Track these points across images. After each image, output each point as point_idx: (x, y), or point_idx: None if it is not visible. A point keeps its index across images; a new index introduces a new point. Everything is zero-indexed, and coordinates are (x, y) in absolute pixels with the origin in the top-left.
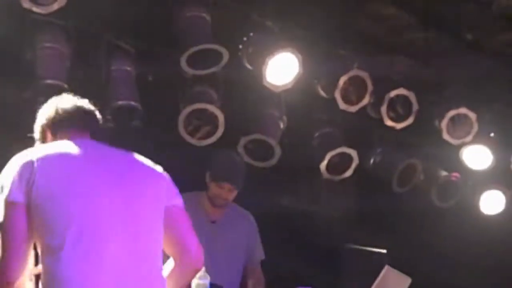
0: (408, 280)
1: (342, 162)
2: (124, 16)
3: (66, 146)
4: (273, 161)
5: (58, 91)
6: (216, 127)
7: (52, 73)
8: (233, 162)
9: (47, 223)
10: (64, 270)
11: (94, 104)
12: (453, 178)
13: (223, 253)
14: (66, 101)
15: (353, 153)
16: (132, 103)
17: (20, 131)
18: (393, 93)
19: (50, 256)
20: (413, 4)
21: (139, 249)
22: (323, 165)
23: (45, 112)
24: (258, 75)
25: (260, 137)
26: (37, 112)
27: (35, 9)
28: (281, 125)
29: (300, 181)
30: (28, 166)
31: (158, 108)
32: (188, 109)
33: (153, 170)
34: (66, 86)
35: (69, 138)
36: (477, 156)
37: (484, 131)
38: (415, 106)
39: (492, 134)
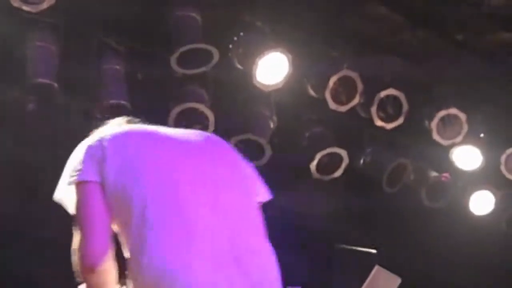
0: (398, 280)
1: (332, 162)
2: (114, 15)
3: (136, 126)
4: (263, 160)
5: (48, 90)
6: (206, 127)
7: (42, 72)
8: None
9: (124, 202)
10: (149, 252)
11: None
12: (443, 179)
13: None
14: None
15: (343, 153)
16: (122, 102)
17: (10, 130)
18: (383, 93)
19: (131, 238)
20: (403, 4)
21: (234, 224)
22: (313, 165)
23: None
24: (248, 75)
25: (250, 137)
26: (27, 110)
27: (25, 7)
28: (271, 125)
29: (290, 181)
30: (98, 145)
31: (148, 107)
32: (178, 108)
33: (241, 158)
34: (56, 85)
35: None
36: (467, 157)
37: (474, 131)
38: (405, 106)
39: (482, 135)
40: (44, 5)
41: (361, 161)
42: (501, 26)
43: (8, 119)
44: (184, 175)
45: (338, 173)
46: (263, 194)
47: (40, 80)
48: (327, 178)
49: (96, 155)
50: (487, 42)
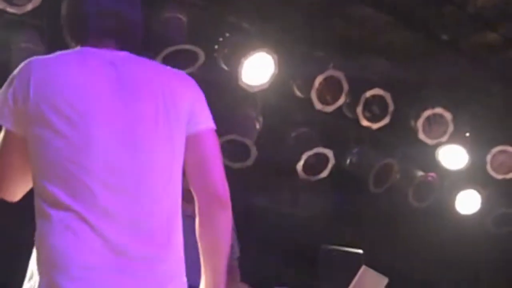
0: (385, 280)
1: (318, 162)
2: None
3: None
4: (249, 161)
5: None
6: None
7: None
8: None
9: (39, 155)
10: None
11: None
12: (429, 178)
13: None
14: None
15: (329, 153)
16: None
17: None
18: (369, 93)
19: (42, 197)
20: (389, 5)
21: (149, 187)
22: (299, 165)
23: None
24: (234, 76)
25: (236, 138)
26: None
27: (9, 9)
28: (257, 126)
29: (276, 182)
30: (24, 72)
31: None
32: None
33: (184, 77)
34: None
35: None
36: (453, 156)
37: (460, 131)
38: (391, 106)
39: (467, 134)
40: (29, 7)
41: (348, 161)
42: (486, 27)
43: None
44: (107, 136)
45: (324, 174)
46: (204, 122)
47: None
48: (313, 178)
49: (18, 86)
50: (473, 42)
